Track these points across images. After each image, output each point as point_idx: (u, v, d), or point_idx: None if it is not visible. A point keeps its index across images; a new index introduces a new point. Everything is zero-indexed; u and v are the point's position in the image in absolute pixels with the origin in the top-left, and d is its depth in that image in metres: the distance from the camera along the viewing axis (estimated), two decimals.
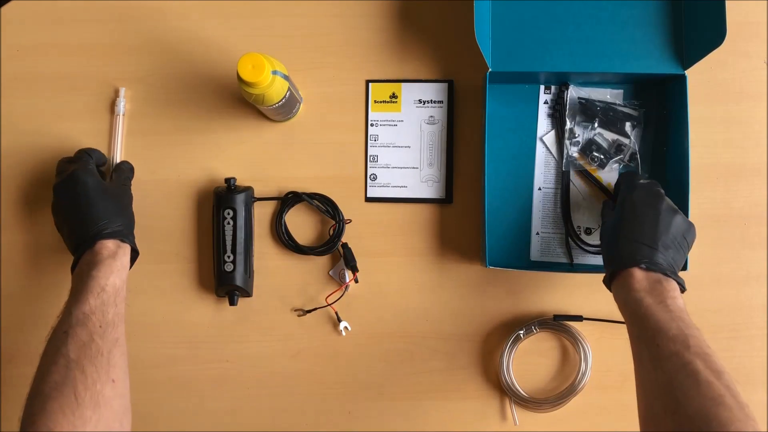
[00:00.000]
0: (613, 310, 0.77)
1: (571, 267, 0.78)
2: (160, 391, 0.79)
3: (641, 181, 0.68)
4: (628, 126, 0.77)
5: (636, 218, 0.64)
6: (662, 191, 0.67)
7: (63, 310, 0.64)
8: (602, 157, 0.77)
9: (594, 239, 0.78)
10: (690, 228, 0.66)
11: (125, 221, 0.71)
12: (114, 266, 0.66)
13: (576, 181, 0.78)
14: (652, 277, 0.61)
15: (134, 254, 0.72)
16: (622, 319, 0.77)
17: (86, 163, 0.72)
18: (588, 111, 0.77)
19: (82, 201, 0.69)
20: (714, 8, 0.70)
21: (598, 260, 0.78)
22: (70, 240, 0.70)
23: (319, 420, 0.78)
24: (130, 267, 0.71)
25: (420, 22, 0.81)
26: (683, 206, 0.73)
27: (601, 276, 0.78)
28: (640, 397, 0.58)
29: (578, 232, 0.78)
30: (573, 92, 0.78)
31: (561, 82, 0.78)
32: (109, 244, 0.68)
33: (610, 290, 0.65)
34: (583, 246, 0.77)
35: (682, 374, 0.53)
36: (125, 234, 0.70)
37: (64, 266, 0.79)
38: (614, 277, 0.64)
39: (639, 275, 0.61)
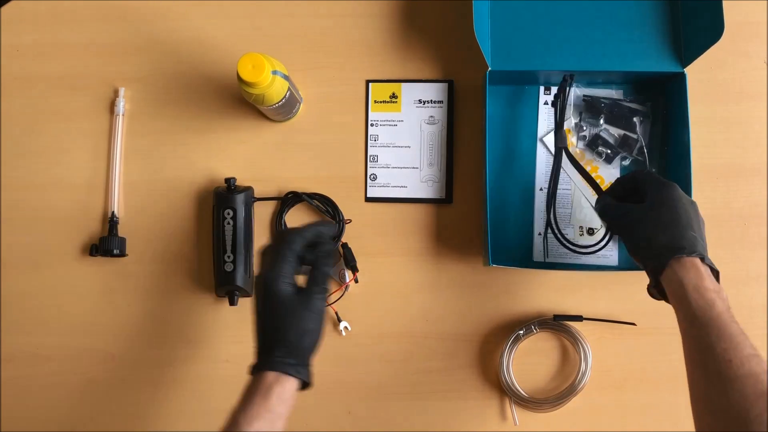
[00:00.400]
0: (613, 310, 0.78)
1: (562, 265, 0.78)
2: (160, 391, 0.79)
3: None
4: (635, 120, 0.77)
5: (685, 212, 0.62)
6: None
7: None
8: (609, 151, 0.77)
9: (595, 239, 0.78)
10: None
11: (299, 348, 0.60)
12: (263, 407, 0.57)
13: (577, 180, 0.78)
14: (712, 276, 0.58)
15: (304, 386, 0.61)
16: (622, 319, 0.77)
17: (282, 261, 0.61)
18: (593, 108, 0.77)
19: (258, 314, 0.63)
20: (711, 5, 0.70)
21: (598, 260, 0.78)
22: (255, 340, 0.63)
23: (319, 420, 0.78)
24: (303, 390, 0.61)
25: (420, 22, 0.81)
26: None
27: (601, 275, 0.78)
28: (705, 416, 0.53)
29: (581, 233, 0.78)
30: (577, 90, 0.78)
31: (562, 80, 0.78)
32: (268, 377, 0.59)
33: (656, 280, 0.60)
34: (568, 243, 0.75)
35: (761, 404, 0.49)
36: (290, 364, 0.59)
37: (64, 266, 0.79)
38: (672, 264, 0.58)
39: (704, 270, 0.58)
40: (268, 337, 0.61)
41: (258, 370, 0.60)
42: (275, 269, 0.61)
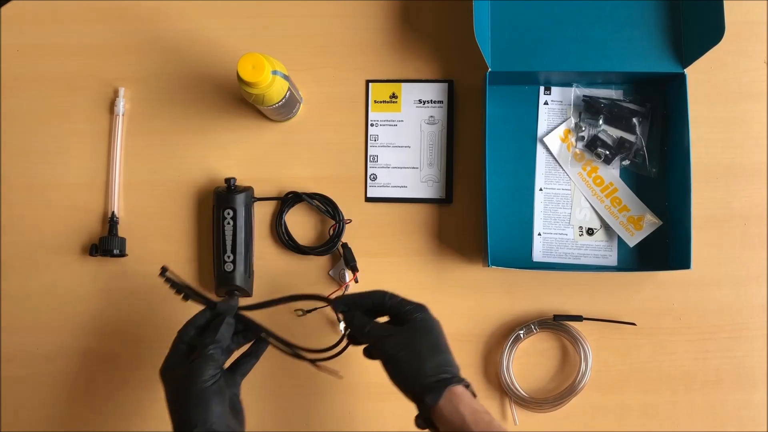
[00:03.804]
0: (613, 310, 0.78)
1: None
2: (160, 391, 0.79)
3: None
4: (635, 121, 0.77)
5: (442, 335, 0.62)
6: None
7: None
8: (608, 152, 0.77)
9: (593, 239, 0.78)
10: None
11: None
12: None
13: (577, 180, 0.78)
14: (468, 397, 0.58)
15: None
16: (622, 319, 0.77)
17: (171, 351, 0.63)
18: (593, 108, 0.77)
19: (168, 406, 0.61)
20: (712, 6, 0.70)
21: (598, 260, 0.78)
22: None
23: (319, 420, 0.78)
24: None
25: (420, 22, 0.81)
26: (685, 206, 0.73)
27: (601, 275, 0.78)
28: None
29: (580, 233, 0.78)
30: (577, 91, 0.78)
31: (561, 82, 0.78)
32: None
33: (428, 414, 0.58)
34: None
35: None
36: None
37: (64, 266, 0.79)
38: (440, 398, 0.57)
39: (469, 394, 0.59)
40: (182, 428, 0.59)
41: None
42: (165, 361, 0.62)
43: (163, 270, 0.64)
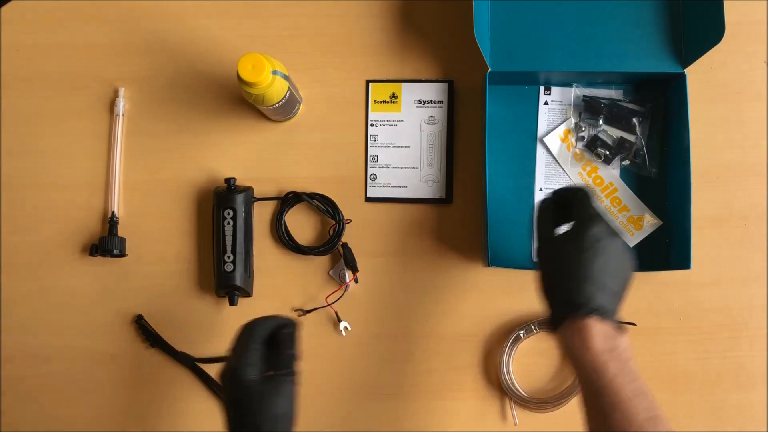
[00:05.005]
0: None
1: None
2: (160, 391, 0.79)
3: (599, 207, 0.60)
4: (635, 121, 0.77)
5: (595, 256, 0.56)
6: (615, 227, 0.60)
7: None
8: (608, 152, 0.77)
9: None
10: (633, 268, 0.60)
11: None
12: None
13: (577, 180, 0.78)
14: (609, 332, 0.55)
15: None
16: (623, 319, 0.77)
17: (246, 351, 0.59)
18: (593, 108, 0.77)
19: (227, 406, 0.59)
20: (712, 6, 0.70)
21: None
22: None
23: (319, 420, 0.78)
24: None
25: (420, 22, 0.81)
26: (685, 206, 0.73)
27: None
28: None
29: None
30: (577, 91, 0.78)
31: (561, 82, 0.78)
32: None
33: (553, 332, 0.58)
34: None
35: None
36: None
37: (64, 266, 0.79)
38: (564, 322, 0.56)
39: (597, 329, 0.54)
40: (243, 429, 0.58)
41: None
42: (240, 359, 0.58)
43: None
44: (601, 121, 0.77)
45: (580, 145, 0.78)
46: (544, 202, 0.64)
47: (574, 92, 0.78)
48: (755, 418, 0.77)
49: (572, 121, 0.78)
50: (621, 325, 0.57)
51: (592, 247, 0.56)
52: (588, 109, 0.78)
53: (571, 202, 0.61)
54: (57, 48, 0.81)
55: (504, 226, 0.78)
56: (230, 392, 0.59)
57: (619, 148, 0.77)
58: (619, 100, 0.78)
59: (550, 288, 0.59)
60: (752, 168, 0.79)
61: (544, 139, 0.79)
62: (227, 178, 0.77)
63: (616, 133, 0.78)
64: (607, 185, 0.78)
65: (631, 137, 0.77)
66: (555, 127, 0.79)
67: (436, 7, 0.81)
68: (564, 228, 0.62)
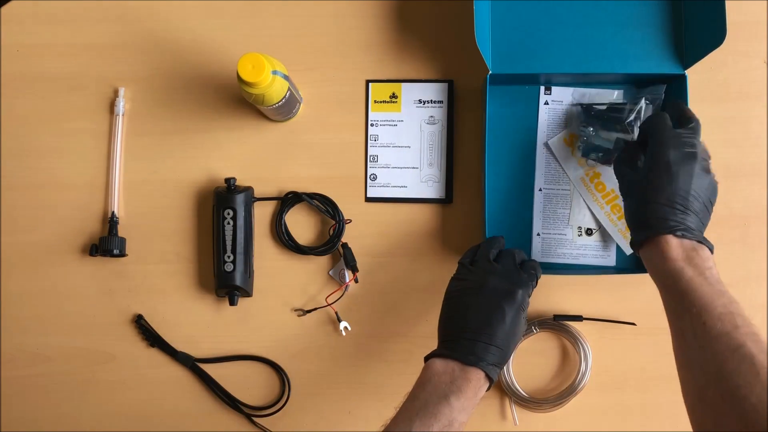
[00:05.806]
0: (613, 310, 0.78)
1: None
2: (160, 391, 0.79)
3: (673, 130, 0.62)
4: (633, 123, 0.77)
5: (669, 178, 0.60)
6: (697, 142, 0.62)
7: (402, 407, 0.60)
8: (600, 154, 0.77)
9: (592, 240, 0.78)
10: (716, 190, 0.63)
11: (506, 353, 0.62)
12: (471, 403, 0.59)
13: (579, 184, 0.78)
14: (687, 245, 0.59)
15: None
16: (622, 319, 0.77)
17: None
18: (591, 111, 0.77)
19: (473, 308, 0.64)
20: (714, 8, 0.70)
21: (596, 260, 0.78)
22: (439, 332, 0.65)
23: (319, 420, 0.78)
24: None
25: (420, 22, 0.81)
26: None
27: (601, 278, 0.78)
28: (688, 378, 0.56)
29: (579, 233, 0.78)
30: (573, 97, 0.78)
31: (561, 83, 0.78)
32: (480, 376, 0.60)
33: (638, 254, 0.63)
34: None
35: (736, 358, 0.50)
36: (496, 370, 0.61)
37: (64, 266, 0.79)
38: (644, 242, 0.61)
39: (674, 243, 0.59)
40: (480, 336, 0.61)
41: (468, 364, 0.60)
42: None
43: None
44: (592, 129, 0.77)
45: (578, 153, 0.78)
46: (618, 142, 0.72)
47: (573, 95, 0.78)
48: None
49: (573, 124, 0.78)
50: (704, 241, 0.60)
51: (666, 171, 0.60)
52: (587, 112, 0.77)
53: (647, 132, 0.64)
54: (57, 48, 0.81)
55: (504, 226, 0.78)
56: (478, 298, 0.64)
57: (615, 148, 0.77)
58: (619, 103, 0.77)
59: (628, 215, 0.65)
60: (752, 168, 0.79)
61: (549, 143, 0.78)
62: (227, 178, 0.77)
63: (613, 135, 0.77)
64: (609, 191, 0.78)
65: (627, 137, 0.77)
66: (559, 132, 0.78)
67: (436, 7, 0.81)
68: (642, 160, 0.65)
